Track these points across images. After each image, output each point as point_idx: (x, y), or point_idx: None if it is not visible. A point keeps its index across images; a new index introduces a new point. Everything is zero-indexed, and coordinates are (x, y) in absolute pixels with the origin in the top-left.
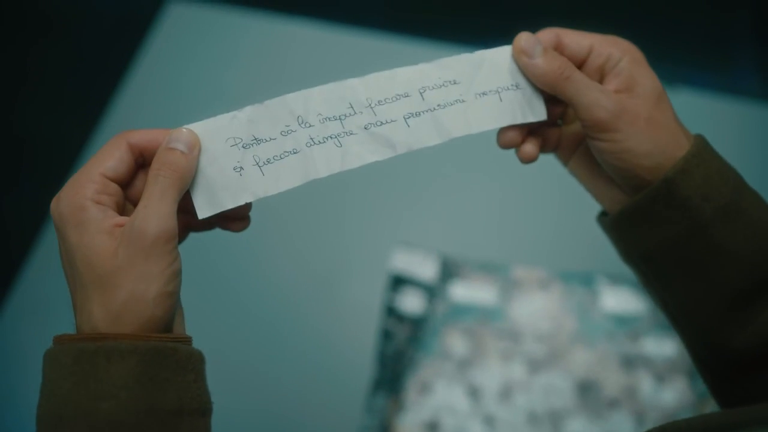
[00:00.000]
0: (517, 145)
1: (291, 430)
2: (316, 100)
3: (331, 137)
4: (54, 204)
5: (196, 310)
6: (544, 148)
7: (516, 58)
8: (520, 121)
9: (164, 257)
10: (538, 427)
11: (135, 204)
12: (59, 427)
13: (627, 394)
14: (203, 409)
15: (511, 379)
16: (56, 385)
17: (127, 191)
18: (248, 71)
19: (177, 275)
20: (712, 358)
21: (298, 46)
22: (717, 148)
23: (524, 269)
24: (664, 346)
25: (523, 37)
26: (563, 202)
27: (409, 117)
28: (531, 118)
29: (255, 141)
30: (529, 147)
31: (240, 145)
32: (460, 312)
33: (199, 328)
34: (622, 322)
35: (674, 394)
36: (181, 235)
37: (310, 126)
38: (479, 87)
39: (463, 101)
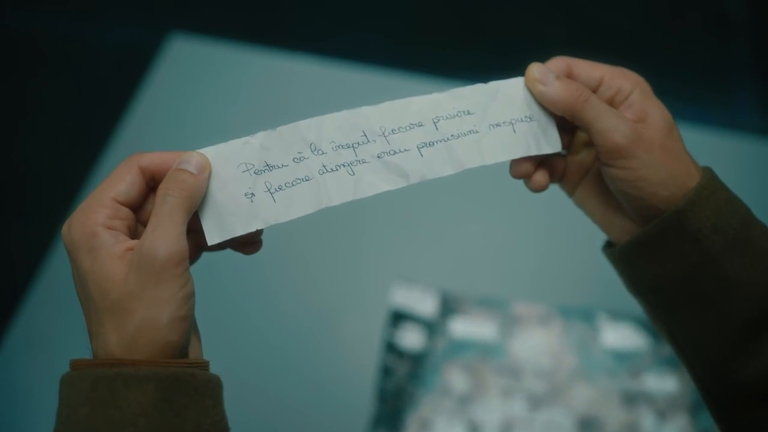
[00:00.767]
0: (529, 176)
1: None
2: (330, 128)
3: (343, 165)
4: (65, 230)
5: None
6: (550, 179)
7: (530, 87)
8: (533, 152)
9: (175, 280)
10: None
11: None
12: None
13: (628, 431)
14: None
15: (512, 416)
16: (73, 410)
17: (138, 214)
18: (249, 106)
19: (189, 298)
20: (719, 388)
21: (299, 81)
22: None
23: (524, 305)
24: (666, 383)
25: (536, 68)
26: (563, 237)
27: (423, 146)
28: (546, 149)
29: (267, 167)
30: (540, 176)
31: (252, 170)
32: (460, 348)
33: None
34: (622, 358)
35: (676, 431)
36: (193, 256)
37: (323, 153)
38: (493, 118)
39: (477, 132)
